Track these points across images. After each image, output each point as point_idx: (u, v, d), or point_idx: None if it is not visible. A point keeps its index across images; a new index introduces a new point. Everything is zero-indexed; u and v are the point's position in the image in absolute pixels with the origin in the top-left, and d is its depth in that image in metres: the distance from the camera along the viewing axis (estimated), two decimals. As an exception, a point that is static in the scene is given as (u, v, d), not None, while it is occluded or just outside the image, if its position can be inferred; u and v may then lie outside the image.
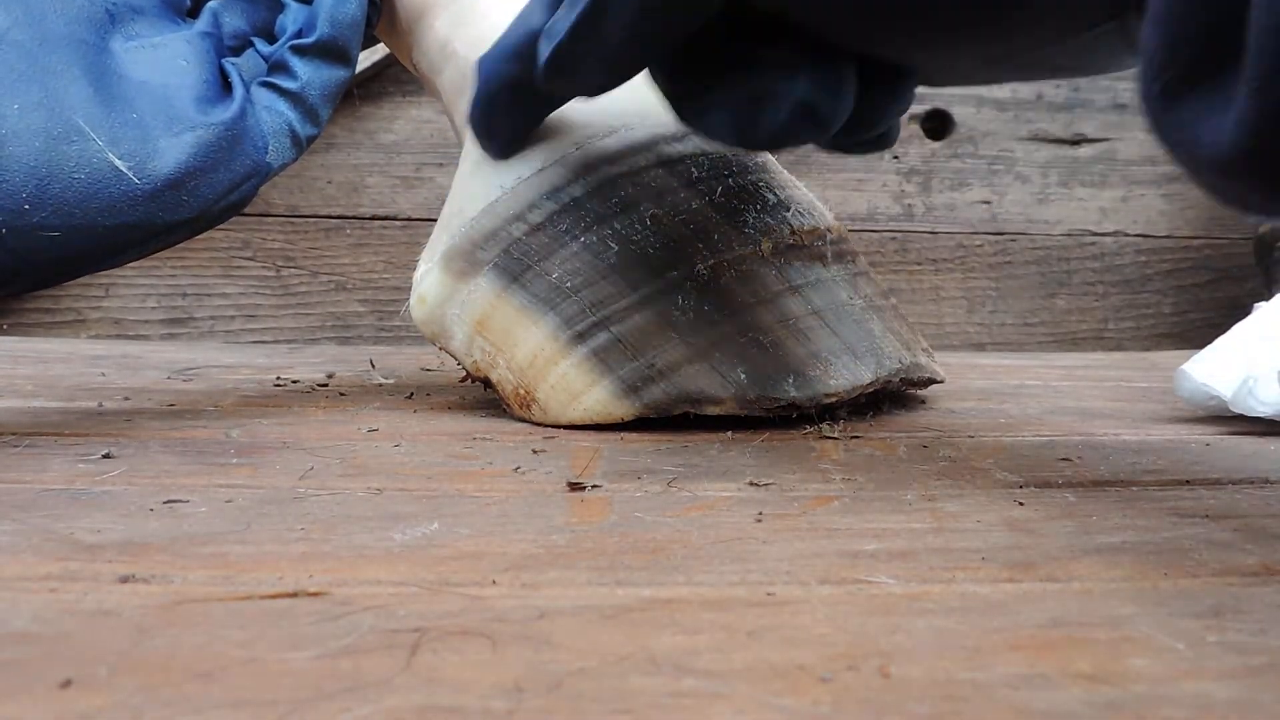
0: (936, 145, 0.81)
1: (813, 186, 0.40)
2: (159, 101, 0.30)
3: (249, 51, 0.34)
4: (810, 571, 0.19)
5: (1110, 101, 0.81)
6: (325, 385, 0.44)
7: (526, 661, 0.14)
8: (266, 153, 0.33)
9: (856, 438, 0.33)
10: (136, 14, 0.31)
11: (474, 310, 0.34)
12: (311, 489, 0.25)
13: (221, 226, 0.37)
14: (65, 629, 0.15)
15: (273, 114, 0.33)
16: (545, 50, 0.27)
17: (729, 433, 0.33)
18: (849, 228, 0.39)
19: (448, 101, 0.37)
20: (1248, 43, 0.16)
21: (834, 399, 0.34)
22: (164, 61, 0.31)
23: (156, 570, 0.18)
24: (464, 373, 0.37)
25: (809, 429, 0.34)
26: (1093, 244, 0.81)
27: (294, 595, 0.17)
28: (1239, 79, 0.16)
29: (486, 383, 0.36)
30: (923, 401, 0.42)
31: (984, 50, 0.24)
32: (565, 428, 0.33)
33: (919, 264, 0.80)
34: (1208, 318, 0.82)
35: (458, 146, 0.39)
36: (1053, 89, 0.80)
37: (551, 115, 0.34)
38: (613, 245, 0.33)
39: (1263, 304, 0.40)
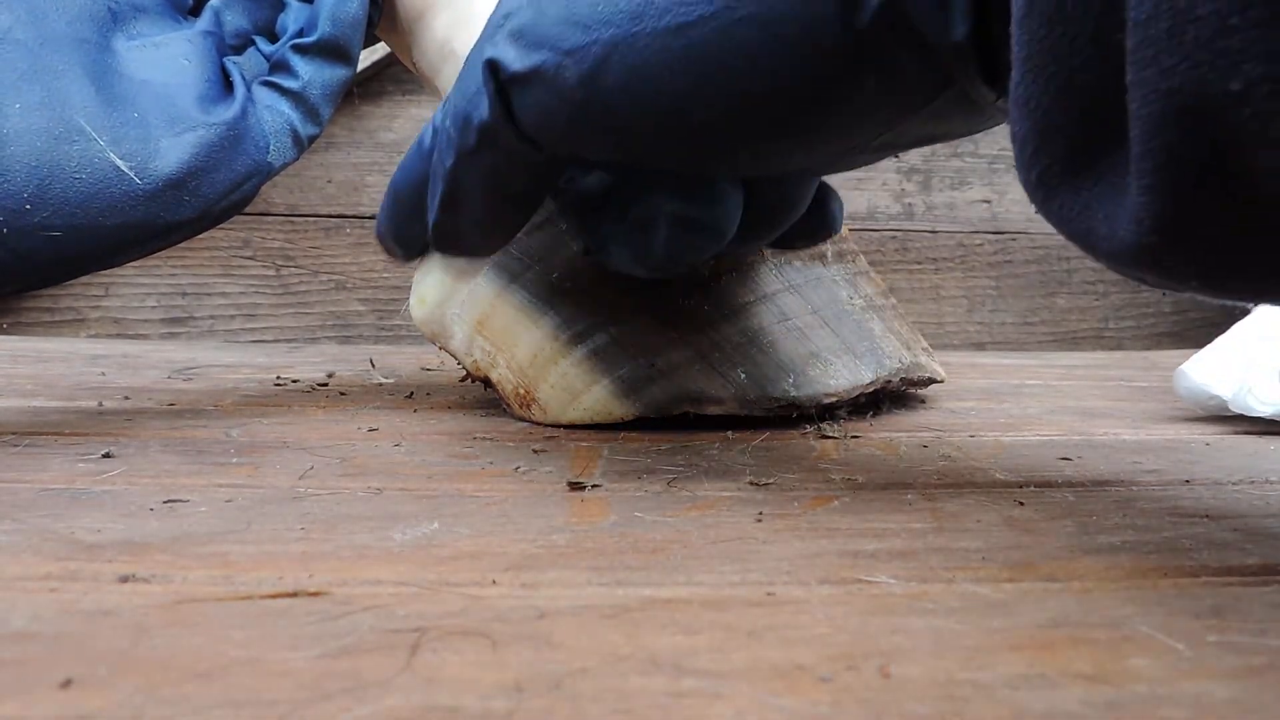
0: (936, 144, 0.80)
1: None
2: (161, 101, 0.30)
3: (250, 50, 0.34)
4: (810, 571, 0.19)
5: (1110, 101, 0.81)
6: (325, 385, 0.44)
7: (526, 661, 0.14)
8: (268, 152, 0.32)
9: (856, 437, 0.33)
10: (139, 13, 0.31)
11: (474, 310, 0.34)
12: (311, 489, 0.25)
13: (221, 226, 0.37)
14: (65, 629, 0.15)
15: (274, 113, 0.33)
16: (429, 223, 0.28)
17: (729, 433, 0.33)
18: (849, 227, 0.39)
19: (448, 101, 0.37)
20: (1130, 132, 0.15)
21: (834, 399, 0.34)
22: (166, 60, 0.31)
23: (156, 570, 0.18)
24: (464, 372, 0.37)
25: (809, 429, 0.34)
26: (1093, 243, 0.81)
27: (294, 595, 0.17)
28: (1124, 169, 0.15)
29: (486, 382, 0.36)
30: (923, 401, 0.42)
31: (824, 152, 0.23)
32: (565, 427, 0.33)
33: (919, 263, 0.80)
34: (1208, 318, 0.82)
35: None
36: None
37: None
38: None
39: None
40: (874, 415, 0.37)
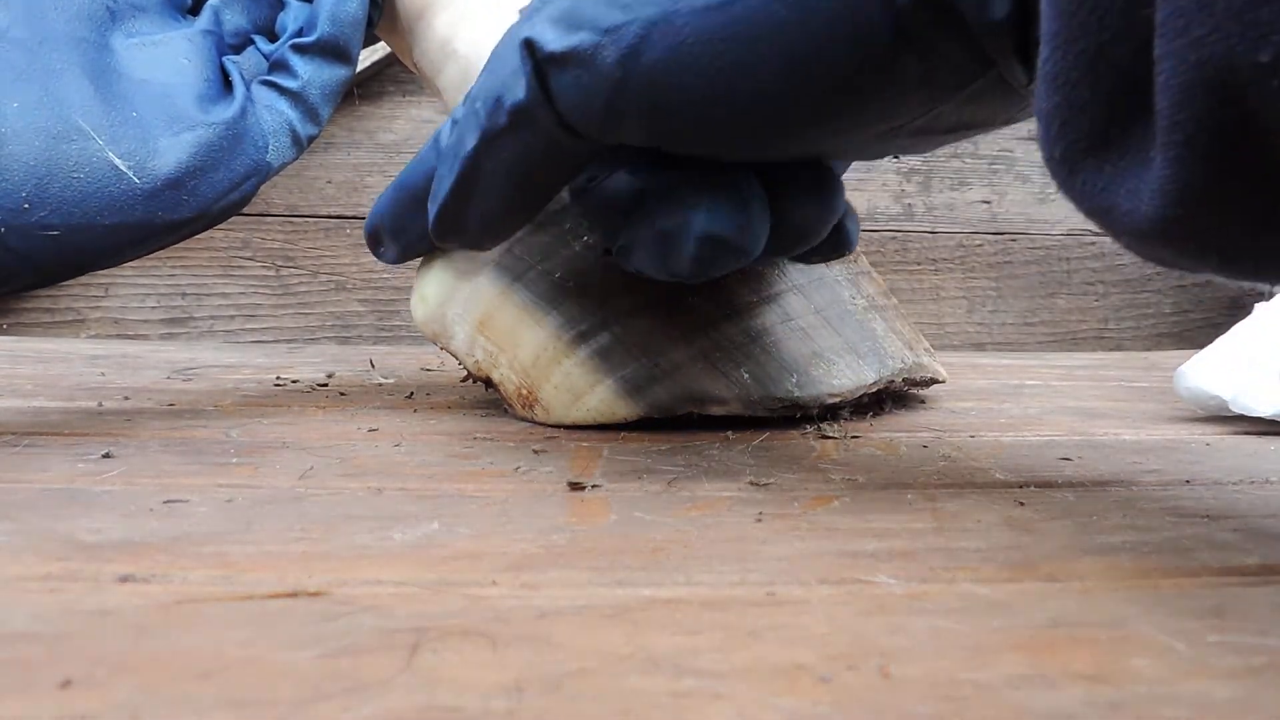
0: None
1: (813, 186, 0.40)
2: (160, 100, 0.30)
3: (249, 50, 0.34)
4: (810, 571, 0.19)
5: (1110, 101, 0.81)
6: (325, 385, 0.44)
7: (526, 661, 0.14)
8: (267, 152, 0.32)
9: (856, 437, 0.33)
10: (138, 11, 0.31)
11: (476, 310, 0.34)
12: (311, 489, 0.25)
13: (221, 226, 0.37)
14: (65, 629, 0.15)
15: (273, 113, 0.33)
16: (432, 210, 0.28)
17: (729, 433, 0.33)
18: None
19: (448, 101, 0.37)
20: (1156, 105, 0.15)
21: (838, 399, 0.34)
22: (165, 59, 0.31)
23: (156, 570, 0.18)
24: (465, 373, 0.37)
25: (809, 429, 0.34)
26: (1093, 243, 0.81)
27: (294, 595, 0.17)
28: (1150, 143, 0.15)
29: (488, 383, 0.36)
30: (923, 401, 0.42)
31: (862, 135, 0.23)
32: (568, 428, 0.33)
33: (919, 264, 0.80)
34: (1208, 318, 0.82)
35: (458, 146, 0.39)
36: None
37: None
38: None
39: (1263, 304, 0.40)
40: (874, 415, 0.37)
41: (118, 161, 0.29)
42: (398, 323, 0.76)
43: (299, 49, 0.33)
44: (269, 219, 0.76)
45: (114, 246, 0.30)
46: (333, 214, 0.77)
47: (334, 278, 0.77)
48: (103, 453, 0.28)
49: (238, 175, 0.32)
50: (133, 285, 0.75)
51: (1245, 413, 0.35)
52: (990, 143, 0.81)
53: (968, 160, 0.81)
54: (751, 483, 0.26)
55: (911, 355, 0.38)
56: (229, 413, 0.36)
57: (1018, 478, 0.27)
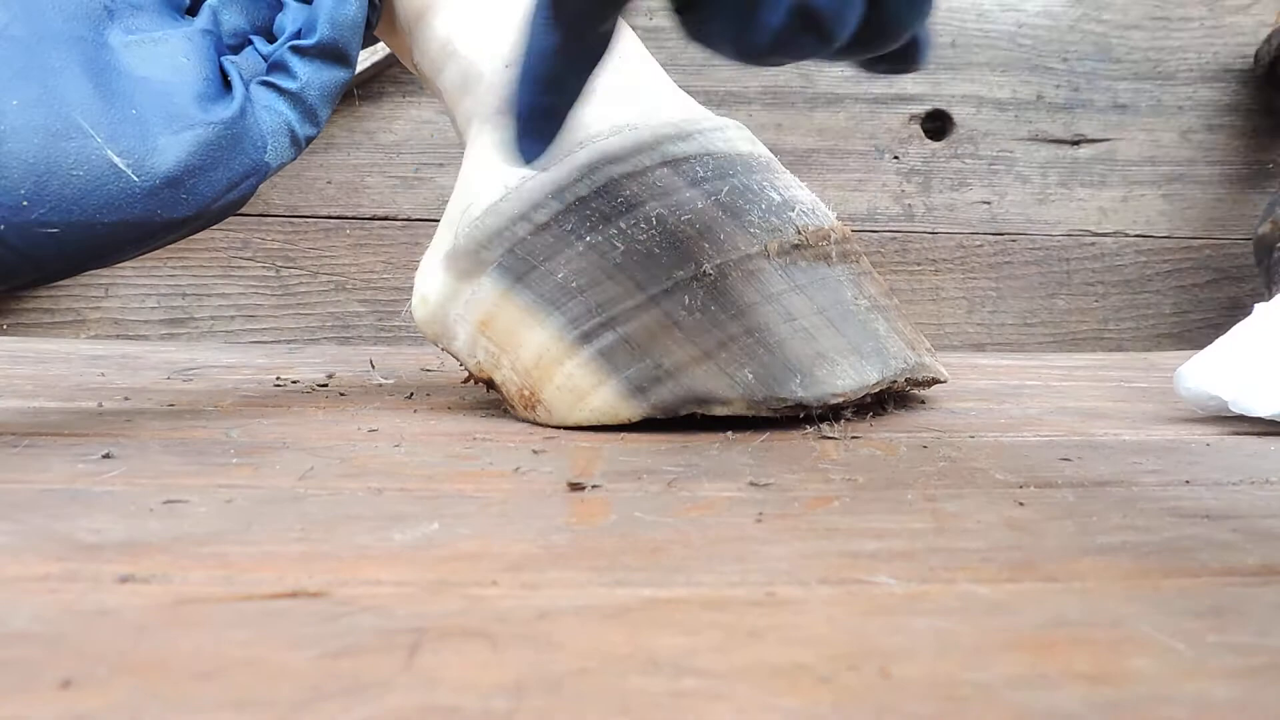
0: (936, 145, 0.81)
1: (813, 187, 0.40)
2: (159, 98, 0.30)
3: (248, 50, 0.34)
4: (810, 571, 0.19)
5: (1110, 101, 0.81)
6: (325, 385, 0.44)
7: (526, 661, 0.14)
8: (265, 152, 0.32)
9: (857, 438, 0.33)
10: (136, 9, 0.31)
11: (478, 310, 0.34)
12: (311, 489, 0.25)
13: (221, 226, 0.37)
14: (65, 629, 0.15)
15: (272, 113, 0.33)
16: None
17: (729, 433, 0.33)
18: (850, 228, 0.39)
19: (449, 101, 0.37)
20: None
21: (841, 399, 0.34)
22: (165, 58, 0.31)
23: (156, 570, 0.18)
24: (465, 373, 0.37)
25: (809, 429, 0.34)
26: (1093, 244, 0.81)
27: (294, 595, 0.17)
28: None
29: (490, 384, 0.36)
30: (923, 401, 0.42)
31: None
32: (569, 428, 0.33)
33: (919, 264, 0.80)
34: (1208, 318, 0.82)
35: (458, 146, 0.39)
36: (1053, 89, 0.80)
37: None
38: (618, 245, 0.33)
39: (1263, 304, 0.40)
40: (875, 415, 0.37)
41: (117, 159, 0.29)
42: (398, 323, 0.76)
43: (298, 51, 0.33)
44: (269, 219, 0.76)
45: (113, 244, 0.30)
46: (333, 214, 0.77)
47: (334, 278, 0.77)
48: (103, 453, 0.28)
49: (236, 175, 0.32)
50: (133, 286, 0.75)
51: (1245, 413, 0.35)
52: (990, 143, 0.81)
53: (968, 161, 0.81)
54: (751, 483, 0.26)
55: (914, 355, 0.38)
56: (229, 413, 0.36)
57: (1018, 478, 0.27)
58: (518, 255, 0.34)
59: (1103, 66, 0.81)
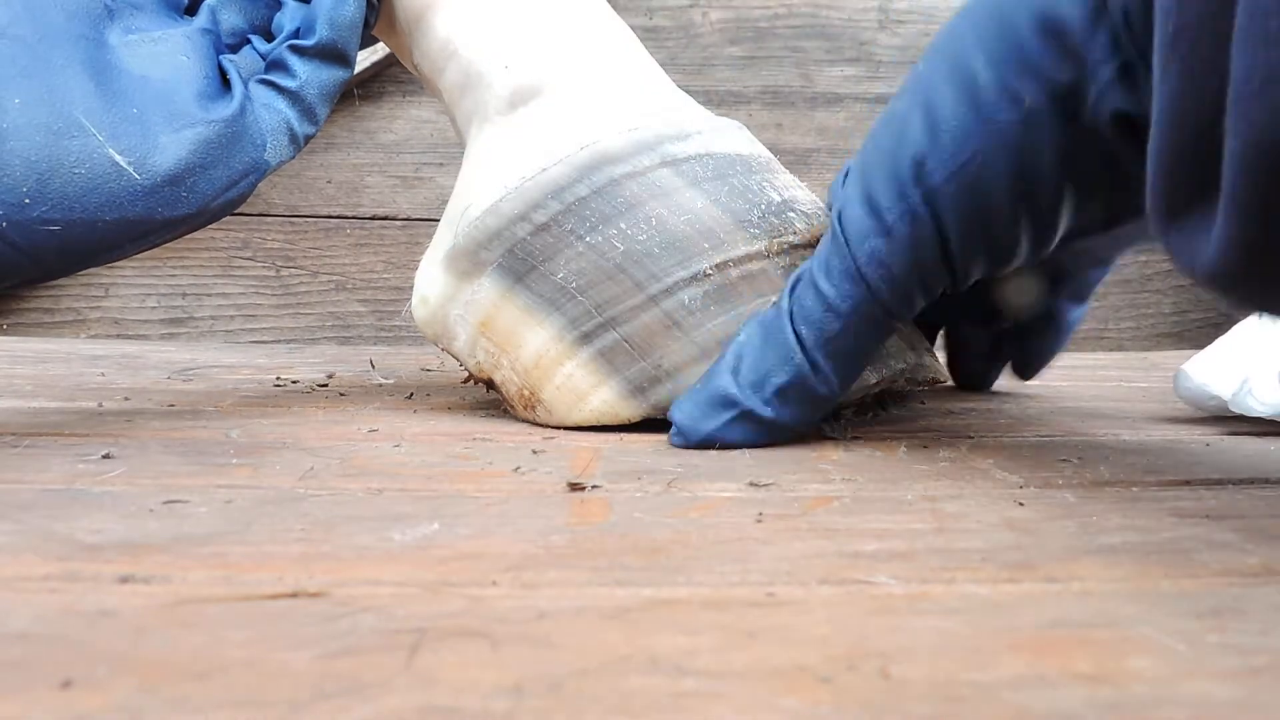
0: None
1: (813, 187, 0.40)
2: (160, 97, 0.30)
3: (246, 49, 0.34)
4: (810, 571, 0.19)
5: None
6: (325, 385, 0.44)
7: (526, 661, 0.14)
8: (265, 150, 0.33)
9: (856, 438, 0.33)
10: (135, 8, 0.31)
11: (478, 311, 0.34)
12: (311, 489, 0.25)
13: (221, 226, 0.37)
14: (65, 629, 0.15)
15: (271, 111, 0.33)
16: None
17: (729, 433, 0.33)
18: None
19: (449, 101, 0.37)
20: (1223, 175, 0.19)
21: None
22: (165, 57, 0.31)
23: (156, 570, 0.18)
24: (465, 373, 0.37)
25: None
26: (1093, 244, 0.81)
27: (294, 595, 0.17)
28: (1215, 207, 0.20)
29: (490, 384, 0.36)
30: (923, 402, 0.42)
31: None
32: (569, 429, 0.33)
33: (919, 264, 0.80)
34: (1208, 318, 0.82)
35: (458, 146, 0.39)
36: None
37: (554, 115, 0.34)
38: (618, 245, 0.33)
39: (1263, 304, 0.40)
40: (875, 415, 0.37)
41: (118, 158, 0.29)
42: (398, 323, 0.77)
43: (297, 50, 0.33)
44: (269, 219, 0.76)
45: (114, 242, 0.30)
46: (333, 214, 0.77)
47: (334, 278, 0.77)
48: (103, 453, 0.28)
49: (236, 173, 0.32)
50: (133, 285, 0.75)
51: (1245, 413, 0.35)
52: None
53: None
54: (751, 483, 0.26)
55: (914, 355, 0.38)
56: (229, 413, 0.36)
57: (1018, 478, 0.27)
58: (517, 255, 0.34)
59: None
